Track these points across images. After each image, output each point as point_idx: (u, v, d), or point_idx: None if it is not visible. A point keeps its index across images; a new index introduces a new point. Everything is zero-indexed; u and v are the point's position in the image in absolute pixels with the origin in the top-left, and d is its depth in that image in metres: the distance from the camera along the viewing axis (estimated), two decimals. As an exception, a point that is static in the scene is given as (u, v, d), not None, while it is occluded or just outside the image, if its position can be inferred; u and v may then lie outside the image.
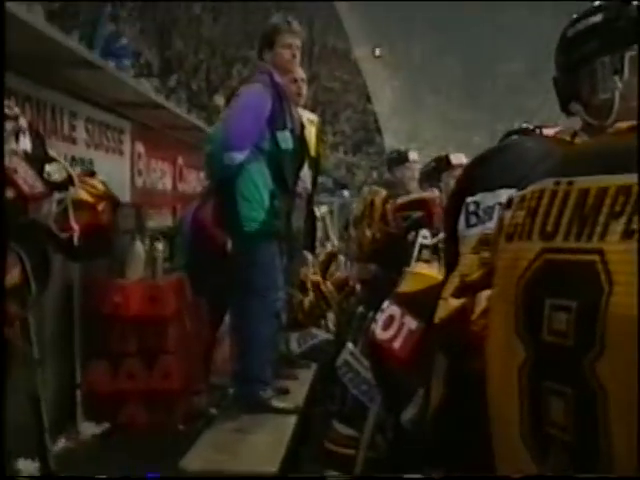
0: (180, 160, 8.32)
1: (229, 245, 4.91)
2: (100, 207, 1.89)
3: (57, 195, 1.71)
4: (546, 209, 1.16)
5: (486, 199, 1.53)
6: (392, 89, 23.92)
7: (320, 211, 7.06)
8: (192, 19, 22.36)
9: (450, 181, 4.50)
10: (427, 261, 2.84)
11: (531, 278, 1.15)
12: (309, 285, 5.06)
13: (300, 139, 4.13)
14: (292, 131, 3.99)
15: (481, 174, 1.58)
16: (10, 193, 1.63)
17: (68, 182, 1.74)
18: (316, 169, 4.64)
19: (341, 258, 6.38)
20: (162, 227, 6.75)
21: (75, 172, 1.86)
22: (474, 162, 1.65)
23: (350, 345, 3.82)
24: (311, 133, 4.59)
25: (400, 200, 4.68)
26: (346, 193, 13.46)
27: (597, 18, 1.53)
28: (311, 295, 4.86)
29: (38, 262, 1.70)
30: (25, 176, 1.65)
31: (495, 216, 1.48)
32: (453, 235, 1.61)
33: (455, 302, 1.44)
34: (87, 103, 5.28)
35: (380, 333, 2.76)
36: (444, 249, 1.67)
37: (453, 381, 1.49)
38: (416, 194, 4.61)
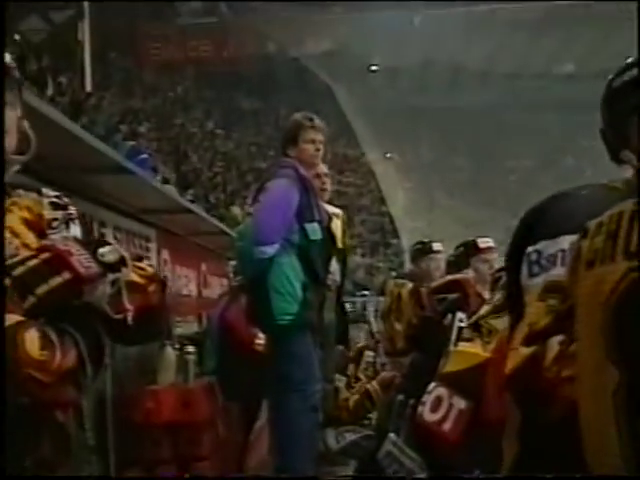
0: (204, 267, 8.40)
1: (259, 342, 4.89)
2: (151, 288, 1.88)
3: (111, 276, 1.71)
4: (627, 230, 1.17)
5: (548, 247, 1.53)
6: (405, 191, 24.25)
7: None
8: (206, 134, 22.96)
9: (479, 265, 4.49)
10: (469, 339, 2.80)
11: (618, 299, 1.14)
12: (354, 382, 4.99)
13: (328, 231, 4.15)
14: (320, 223, 4.01)
15: (540, 223, 1.58)
16: (66, 275, 1.64)
17: (121, 263, 1.74)
18: (344, 261, 4.64)
19: (368, 353, 6.31)
20: (190, 333, 6.74)
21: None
22: (531, 212, 1.65)
23: (392, 435, 3.73)
24: (337, 226, 4.61)
25: (435, 283, 4.65)
26: (367, 293, 13.44)
27: None
28: (356, 394, 4.78)
29: (93, 345, 1.68)
30: (80, 258, 1.66)
31: (558, 263, 1.48)
32: (516, 285, 1.59)
33: (525, 351, 1.41)
34: (114, 211, 5.38)
35: (428, 415, 2.69)
36: (507, 300, 1.65)
37: (528, 435, 1.45)
38: (450, 276, 4.59)
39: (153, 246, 6.46)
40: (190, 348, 5.76)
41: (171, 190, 7.51)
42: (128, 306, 1.79)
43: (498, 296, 2.73)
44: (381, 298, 8.81)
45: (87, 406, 1.85)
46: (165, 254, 6.86)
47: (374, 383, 4.77)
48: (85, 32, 14.78)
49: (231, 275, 9.00)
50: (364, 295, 12.69)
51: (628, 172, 1.56)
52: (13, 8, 13.46)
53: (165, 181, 16.16)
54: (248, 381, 4.86)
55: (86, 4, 15.21)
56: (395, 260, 21.91)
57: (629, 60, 1.62)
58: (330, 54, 21.52)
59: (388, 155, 24.34)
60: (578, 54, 22.70)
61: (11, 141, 1.83)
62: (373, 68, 23.33)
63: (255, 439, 5.16)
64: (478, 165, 25.73)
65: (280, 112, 26.04)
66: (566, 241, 1.47)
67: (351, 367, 5.20)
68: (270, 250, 3.77)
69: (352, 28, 20.85)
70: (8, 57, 1.88)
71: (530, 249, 1.55)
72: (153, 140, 18.74)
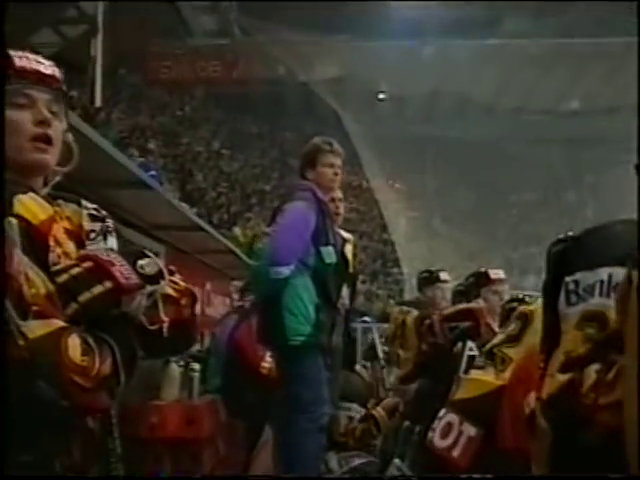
0: (208, 285, 8.44)
1: (266, 364, 4.91)
2: (184, 302, 1.93)
3: (148, 288, 1.76)
4: None
5: (586, 278, 1.57)
6: (407, 219, 24.33)
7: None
8: (212, 154, 23.06)
9: (489, 296, 4.54)
10: (481, 367, 2.83)
11: None
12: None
13: (341, 255, 4.20)
14: (335, 246, 4.07)
15: (578, 254, 1.63)
16: (108, 284, 1.68)
17: (159, 276, 1.79)
18: (353, 286, 4.70)
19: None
20: (193, 350, 6.74)
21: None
22: (571, 243, 1.69)
23: (397, 461, 3.76)
24: (349, 250, 4.66)
25: (446, 311, 4.69)
26: (367, 319, 13.43)
27: None
28: (362, 420, 4.79)
29: (127, 354, 1.72)
30: (121, 269, 1.70)
31: (596, 293, 1.53)
32: (552, 313, 1.64)
33: (562, 377, 1.46)
34: (126, 225, 5.42)
35: (438, 441, 2.72)
36: (543, 327, 1.70)
37: (561, 457, 1.49)
38: (462, 305, 4.64)
39: (161, 262, 6.46)
40: (195, 365, 5.77)
41: (184, 207, 7.55)
42: (164, 318, 1.83)
43: (513, 326, 2.77)
44: (383, 325, 8.82)
45: (115, 415, 1.88)
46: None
47: (379, 409, 4.78)
48: (98, 48, 14.88)
49: (235, 295, 9.05)
50: (365, 321, 12.70)
51: None
52: (25, 21, 13.58)
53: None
54: (253, 400, 4.89)
55: (100, 20, 15.34)
56: (395, 287, 21.95)
57: None
58: (338, 80, 21.66)
59: (392, 183, 24.44)
60: (584, 91, 22.87)
61: (56, 152, 1.89)
62: (381, 96, 23.50)
63: (256, 456, 5.18)
64: (481, 196, 25.82)
65: (286, 136, 26.21)
66: (604, 272, 1.52)
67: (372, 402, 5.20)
68: (285, 271, 3.82)
69: (361, 55, 21.01)
70: (57, 69, 1.93)
71: (568, 279, 1.59)
72: (160, 157, 18.84)
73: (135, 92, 20.43)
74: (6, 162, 1.79)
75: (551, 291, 1.64)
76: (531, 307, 2.68)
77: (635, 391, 1.23)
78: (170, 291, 1.89)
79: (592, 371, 1.39)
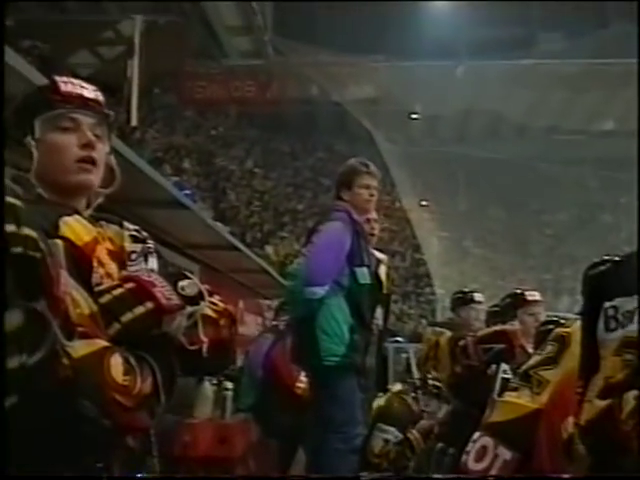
0: (241, 304, 8.46)
1: (301, 384, 4.91)
2: (222, 323, 1.95)
3: (189, 309, 1.78)
4: None
5: (625, 304, 1.57)
6: (439, 239, 24.23)
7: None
8: (245, 173, 23.19)
9: (525, 317, 4.50)
10: (515, 389, 2.81)
11: None
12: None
13: (376, 276, 4.20)
14: (369, 267, 4.07)
15: (617, 280, 1.63)
16: (149, 305, 1.70)
17: (199, 297, 1.81)
18: (387, 307, 4.68)
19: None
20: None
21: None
22: (610, 268, 1.69)
23: (429, 483, 3.73)
24: (383, 271, 4.66)
25: (481, 332, 4.67)
26: (400, 339, 13.41)
27: None
28: (396, 443, 4.77)
29: (167, 374, 1.74)
30: (162, 290, 1.72)
31: (635, 319, 1.52)
32: (591, 339, 1.63)
33: (601, 403, 1.46)
34: (162, 244, 5.47)
35: (473, 465, 2.70)
36: (582, 352, 1.70)
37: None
38: (497, 326, 4.61)
39: (201, 284, 6.50)
40: (227, 384, 5.79)
41: (218, 226, 7.61)
42: (203, 338, 1.85)
43: (550, 348, 2.75)
44: (414, 345, 8.79)
45: (153, 434, 1.89)
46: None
47: (414, 432, 4.76)
48: (134, 69, 15.09)
49: (268, 314, 9.07)
50: (397, 341, 12.65)
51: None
52: (64, 42, 13.82)
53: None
54: (287, 420, 4.89)
55: (136, 42, 15.56)
56: (427, 308, 21.85)
57: None
58: (372, 100, 21.71)
59: (424, 203, 24.39)
60: (617, 111, 22.71)
61: (99, 174, 1.92)
62: (414, 116, 23.51)
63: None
64: (513, 217, 25.67)
65: (319, 155, 26.32)
66: None
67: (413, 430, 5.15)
68: (320, 291, 3.83)
69: (394, 76, 21.07)
70: (99, 93, 1.97)
71: (607, 304, 1.59)
72: (194, 176, 19.00)
73: (170, 112, 20.66)
74: (52, 184, 1.84)
75: (590, 316, 1.64)
76: (568, 329, 2.66)
77: None
78: (209, 312, 1.91)
79: (631, 397, 1.39)
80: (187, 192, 10.07)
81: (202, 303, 1.83)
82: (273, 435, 5.28)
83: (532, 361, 2.84)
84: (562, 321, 3.25)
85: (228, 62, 20.89)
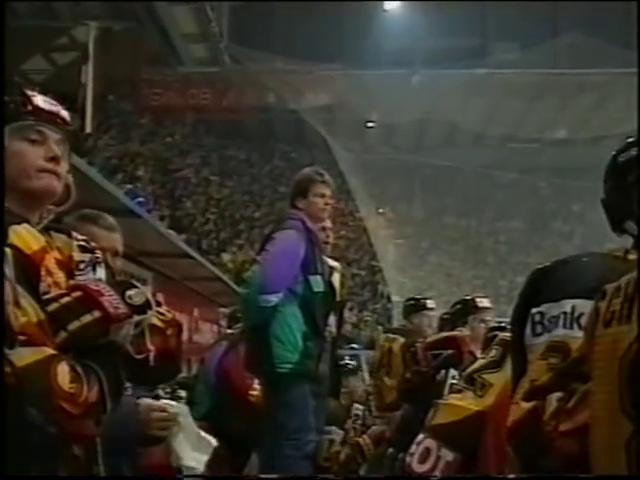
0: (196, 312, 8.45)
1: (254, 392, 4.92)
2: (169, 332, 1.97)
3: (136, 318, 1.80)
4: None
5: (551, 309, 1.64)
6: (395, 246, 24.40)
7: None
8: (201, 180, 23.10)
9: (476, 324, 4.55)
10: (459, 391, 2.87)
11: (634, 356, 1.24)
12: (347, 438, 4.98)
13: (329, 284, 4.23)
14: (323, 275, 4.10)
15: (544, 286, 1.69)
16: (96, 314, 1.71)
17: (146, 306, 1.83)
18: (340, 314, 4.71)
19: (357, 406, 6.31)
20: (180, 378, 6.75)
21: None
22: (536, 276, 1.75)
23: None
24: (336, 279, 4.69)
25: (430, 339, 4.71)
26: (355, 346, 13.44)
27: None
28: (347, 447, 4.78)
29: (113, 383, 1.75)
30: (110, 299, 1.74)
31: (560, 324, 1.60)
32: (520, 344, 1.70)
33: (526, 405, 1.53)
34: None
35: (417, 466, 2.75)
36: (512, 356, 1.76)
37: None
38: (446, 332, 4.66)
39: (149, 289, 6.49)
40: (181, 392, 5.77)
41: (172, 234, 7.58)
42: (150, 347, 1.88)
43: (494, 352, 2.81)
44: (370, 352, 8.84)
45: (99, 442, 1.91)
46: (160, 298, 6.88)
47: (365, 437, 4.78)
48: (88, 75, 14.98)
49: (223, 322, 9.05)
50: (353, 348, 12.69)
51: (628, 242, 1.68)
52: (17, 48, 13.67)
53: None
54: (240, 428, 4.88)
55: (91, 48, 15.44)
56: (383, 315, 21.95)
57: (633, 138, 1.75)
58: (328, 108, 21.80)
59: (381, 210, 24.53)
60: (570, 120, 23.11)
61: (60, 187, 1.94)
62: (370, 124, 23.65)
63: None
64: (469, 224, 25.98)
65: (276, 163, 26.32)
66: (568, 304, 1.60)
67: (349, 423, 5.20)
68: (274, 299, 3.85)
69: (351, 84, 21.18)
70: (67, 113, 1.99)
71: (534, 310, 1.66)
72: (149, 184, 18.88)
73: (125, 119, 20.52)
74: (13, 190, 1.84)
75: (519, 322, 1.70)
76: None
77: (602, 417, 1.28)
78: (157, 321, 1.93)
79: (554, 399, 1.46)
80: (141, 200, 10.05)
81: (149, 312, 1.85)
82: (226, 442, 5.26)
83: (476, 364, 2.90)
84: (507, 327, 3.32)
85: (184, 69, 20.81)
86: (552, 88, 21.48)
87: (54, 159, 1.88)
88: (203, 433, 3.14)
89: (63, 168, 1.92)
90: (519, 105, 22.56)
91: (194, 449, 2.73)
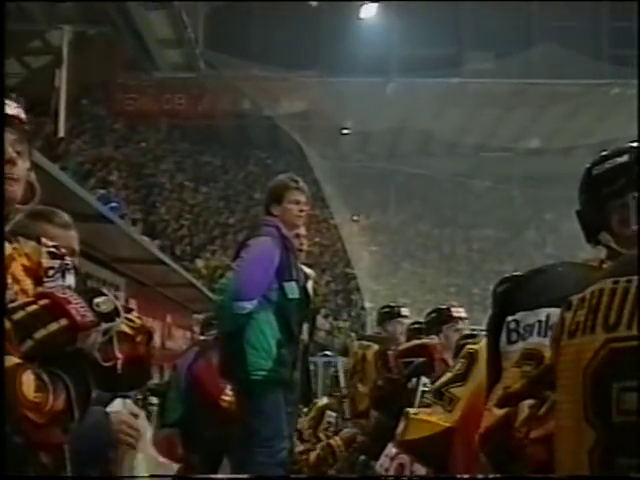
0: (169, 318, 8.41)
1: (226, 397, 4.90)
2: (139, 339, 1.95)
3: (104, 325, 1.77)
4: (607, 304, 1.29)
5: (526, 318, 1.65)
6: (370, 253, 24.45)
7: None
8: (175, 186, 23.01)
9: (450, 333, 4.55)
10: (429, 405, 2.90)
11: (597, 367, 1.26)
12: (311, 437, 4.99)
13: (304, 290, 4.22)
14: (297, 282, 4.09)
15: (520, 295, 1.71)
16: (63, 322, 1.69)
17: (114, 314, 1.80)
18: (313, 321, 4.70)
19: (330, 413, 6.31)
20: (152, 384, 6.70)
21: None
22: (511, 284, 1.76)
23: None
24: (310, 286, 4.68)
25: (402, 346, 4.73)
26: (329, 353, 13.48)
27: (624, 158, 1.71)
28: (319, 449, 4.78)
29: (81, 391, 1.73)
30: (77, 306, 1.71)
31: (535, 332, 1.60)
32: (495, 352, 1.70)
33: (499, 412, 1.54)
34: (87, 259, 5.39)
35: None
36: (487, 364, 1.76)
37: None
38: (418, 340, 4.67)
39: (122, 295, 6.45)
40: (153, 399, 5.73)
41: (145, 240, 7.53)
42: (118, 355, 1.85)
43: (459, 365, 2.84)
44: (343, 359, 8.85)
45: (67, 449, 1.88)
46: (132, 304, 6.85)
47: (337, 438, 4.78)
48: (62, 79, 14.85)
49: (196, 328, 9.00)
50: (326, 355, 12.71)
51: (602, 253, 1.70)
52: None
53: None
54: (212, 435, 4.85)
55: (65, 51, 15.32)
56: (357, 322, 21.96)
57: (607, 151, 1.77)
58: (303, 115, 21.80)
59: (355, 218, 24.57)
60: (543, 130, 23.31)
61: (18, 191, 1.90)
62: (344, 131, 23.70)
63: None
64: (443, 232, 26.10)
65: (250, 169, 26.28)
66: (543, 313, 1.62)
67: (302, 421, 5.21)
68: (249, 306, 3.84)
69: (326, 91, 21.21)
70: (21, 110, 1.95)
71: (509, 318, 1.68)
72: (123, 189, 18.77)
73: (99, 123, 20.39)
74: None
75: (494, 330, 1.71)
76: (476, 346, 2.75)
77: (567, 426, 1.29)
78: (125, 328, 1.91)
79: (526, 406, 1.48)
80: (114, 205, 9.95)
81: (118, 319, 1.82)
82: (198, 449, 5.22)
83: (444, 378, 2.96)
84: (477, 335, 3.34)
85: (159, 75, 20.71)
86: (526, 98, 21.65)
87: (9, 162, 1.83)
88: (162, 458, 3.09)
89: (20, 168, 1.87)
90: (493, 114, 22.73)
91: (150, 471, 2.65)
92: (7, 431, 1.56)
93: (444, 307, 4.80)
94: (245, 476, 3.93)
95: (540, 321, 1.62)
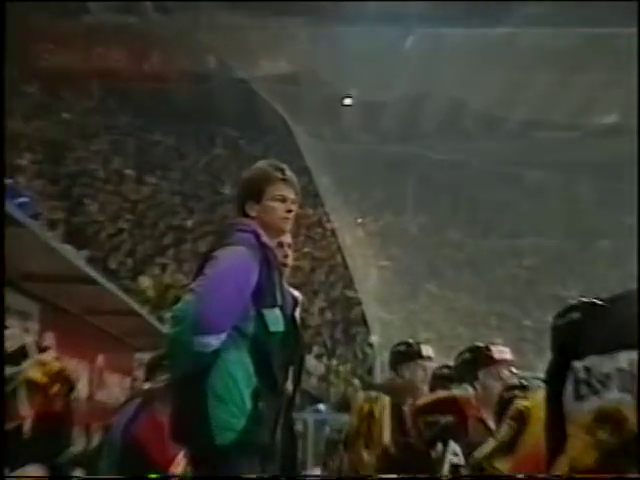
0: (101, 359, 8.38)
1: (177, 468, 4.88)
2: (55, 389, 1.90)
3: (7, 371, 1.72)
4: None
5: (600, 364, 1.60)
6: (379, 270, 24.50)
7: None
8: (111, 174, 23.01)
9: (490, 381, 4.56)
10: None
11: None
12: None
13: (292, 320, 4.19)
14: (282, 309, 4.05)
15: (591, 331, 1.65)
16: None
17: (21, 355, 1.75)
18: (301, 363, 4.69)
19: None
20: (76, 452, 6.71)
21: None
22: (579, 316, 1.72)
23: None
24: (297, 316, 4.67)
25: (424, 399, 4.73)
26: (322, 407, 13.51)
27: None
28: None
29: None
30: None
31: (614, 385, 1.55)
32: (556, 411, 1.67)
33: None
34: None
35: None
36: (546, 425, 1.72)
37: None
38: (444, 392, 4.68)
39: (34, 327, 6.43)
40: (75, 471, 5.74)
41: (68, 250, 7.51)
42: (25, 412, 1.80)
43: (506, 429, 2.84)
44: (342, 415, 8.86)
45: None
46: (50, 339, 6.83)
47: None
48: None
49: (138, 372, 8.98)
50: (318, 411, 12.74)
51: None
52: None
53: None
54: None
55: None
56: (361, 364, 22.01)
57: None
58: (290, 79, 21.87)
59: (360, 221, 24.63)
60: (623, 101, 23.44)
61: None
62: (346, 102, 23.79)
63: None
64: (480, 242, 26.12)
65: (217, 153, 26.35)
66: (625, 358, 1.58)
67: None
68: (215, 342, 3.82)
69: (322, 46, 21.30)
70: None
71: (577, 365, 1.63)
72: (37, 178, 18.77)
73: (4, 85, 20.41)
74: None
75: (555, 379, 1.67)
76: (528, 402, 2.76)
77: None
78: (37, 375, 1.87)
79: None
80: (24, 200, 9.92)
81: (25, 363, 1.77)
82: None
83: (486, 447, 2.97)
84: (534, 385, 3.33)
85: (89, 19, 20.72)
86: (597, 55, 21.77)
87: None
88: None
89: None
90: (551, 79, 22.83)
91: None
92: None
93: (482, 345, 4.81)
94: (251, 476, 3.90)
95: (621, 369, 1.57)
